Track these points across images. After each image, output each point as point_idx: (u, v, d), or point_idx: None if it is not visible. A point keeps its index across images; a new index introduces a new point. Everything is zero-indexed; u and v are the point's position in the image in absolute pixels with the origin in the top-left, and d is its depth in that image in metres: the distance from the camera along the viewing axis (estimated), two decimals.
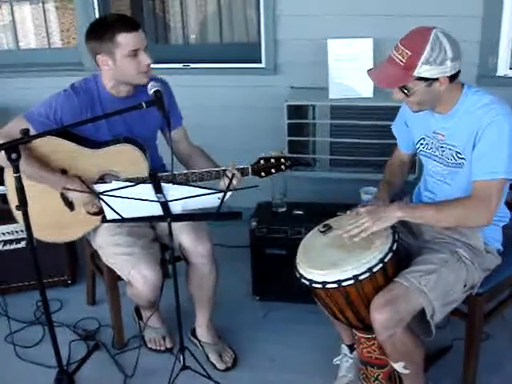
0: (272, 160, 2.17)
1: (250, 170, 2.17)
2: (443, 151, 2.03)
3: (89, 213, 2.30)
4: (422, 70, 1.82)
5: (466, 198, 1.94)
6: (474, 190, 1.92)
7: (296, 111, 3.20)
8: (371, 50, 3.10)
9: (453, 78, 1.87)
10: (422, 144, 2.12)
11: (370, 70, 1.97)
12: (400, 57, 1.84)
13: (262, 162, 2.17)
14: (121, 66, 2.16)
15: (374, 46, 3.09)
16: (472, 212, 1.91)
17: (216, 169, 2.18)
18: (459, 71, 1.88)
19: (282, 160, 2.17)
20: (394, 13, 3.13)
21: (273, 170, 2.18)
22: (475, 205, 1.90)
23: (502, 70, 3.17)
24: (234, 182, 2.09)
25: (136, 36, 2.14)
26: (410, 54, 1.82)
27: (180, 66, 3.58)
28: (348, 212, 2.09)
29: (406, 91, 1.89)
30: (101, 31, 2.14)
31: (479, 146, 1.89)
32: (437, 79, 1.84)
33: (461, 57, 1.85)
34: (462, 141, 1.95)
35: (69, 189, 2.14)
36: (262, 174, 2.19)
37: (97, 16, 3.59)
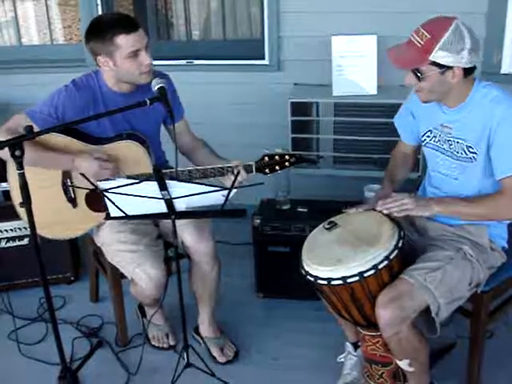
0: (276, 157, 2.16)
1: (254, 166, 2.16)
2: (451, 144, 2.01)
3: (92, 209, 2.30)
4: (438, 56, 1.81)
5: (497, 193, 1.94)
6: (504, 186, 1.91)
7: (300, 108, 3.19)
8: (375, 46, 3.10)
9: (467, 72, 1.86)
10: (428, 136, 2.10)
11: (390, 48, 1.96)
12: (419, 39, 1.84)
13: (266, 158, 2.16)
14: (122, 67, 2.15)
15: (378, 42, 3.08)
16: (503, 207, 1.92)
17: (220, 165, 2.17)
18: (475, 67, 1.88)
19: (287, 157, 2.16)
20: (398, 9, 3.12)
21: (277, 167, 2.17)
22: (507, 201, 1.90)
23: (506, 68, 3.15)
24: (239, 178, 2.09)
25: (135, 36, 2.10)
26: (428, 36, 1.82)
27: (183, 62, 3.58)
28: (354, 209, 2.09)
29: (419, 74, 1.88)
30: (100, 33, 2.11)
31: (498, 143, 1.87)
32: (451, 68, 1.84)
33: (479, 51, 1.86)
34: (473, 135, 1.93)
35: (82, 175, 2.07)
36: (266, 170, 2.18)
37: (100, 12, 3.58)
